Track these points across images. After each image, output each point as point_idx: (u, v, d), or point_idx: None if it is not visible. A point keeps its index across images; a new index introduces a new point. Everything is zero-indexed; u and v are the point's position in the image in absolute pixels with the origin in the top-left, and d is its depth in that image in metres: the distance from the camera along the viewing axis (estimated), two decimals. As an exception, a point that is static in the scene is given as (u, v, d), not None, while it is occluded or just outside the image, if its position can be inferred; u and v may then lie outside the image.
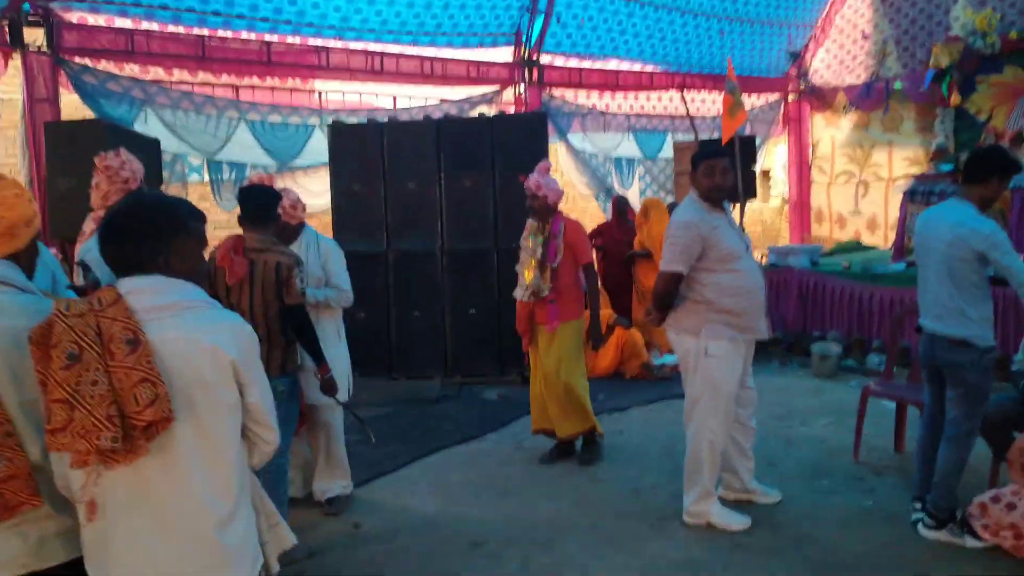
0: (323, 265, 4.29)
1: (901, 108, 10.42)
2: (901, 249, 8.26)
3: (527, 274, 4.80)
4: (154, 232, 1.84)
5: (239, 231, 3.59)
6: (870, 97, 10.67)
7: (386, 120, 7.21)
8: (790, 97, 12.06)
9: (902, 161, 10.46)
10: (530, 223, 4.91)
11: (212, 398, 1.84)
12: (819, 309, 7.97)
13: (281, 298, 3.43)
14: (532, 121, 7.19)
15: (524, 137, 6.87)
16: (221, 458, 1.87)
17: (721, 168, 3.79)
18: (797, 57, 11.75)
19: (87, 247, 3.35)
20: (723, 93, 8.43)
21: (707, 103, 11.10)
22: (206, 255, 2.16)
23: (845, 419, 5.55)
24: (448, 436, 5.59)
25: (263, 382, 1.98)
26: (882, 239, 10.62)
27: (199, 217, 2.00)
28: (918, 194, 8.23)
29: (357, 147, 7.01)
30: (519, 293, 4.86)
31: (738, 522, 3.92)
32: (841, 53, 11.34)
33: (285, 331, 3.49)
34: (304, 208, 4.28)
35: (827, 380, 6.93)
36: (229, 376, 1.87)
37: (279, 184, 5.27)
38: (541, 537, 3.91)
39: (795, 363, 7.64)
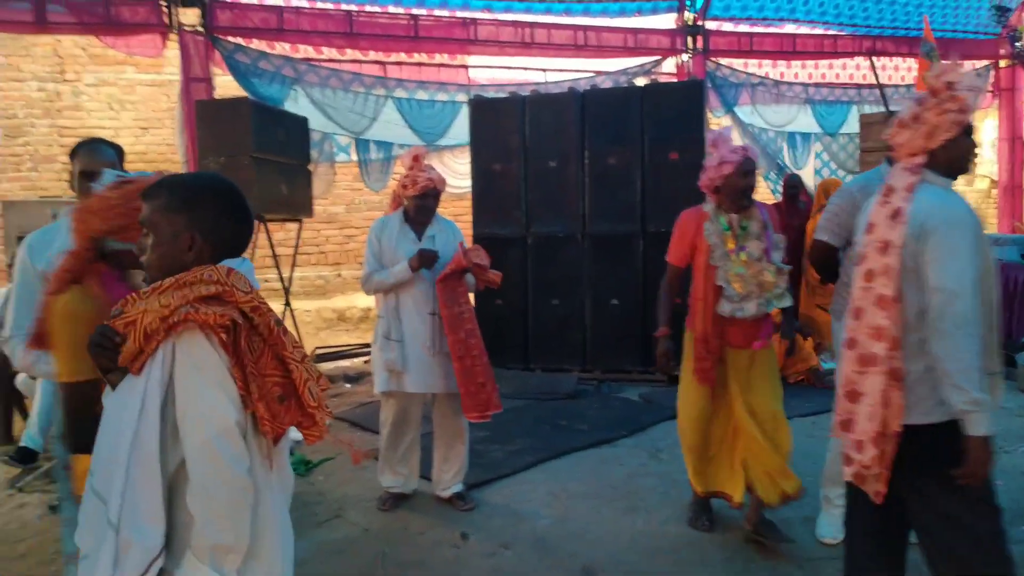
0: None
1: None
2: None
3: (736, 282, 3.36)
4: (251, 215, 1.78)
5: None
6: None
7: (528, 93, 6.75)
8: (1001, 63, 10.48)
9: None
10: (711, 210, 3.45)
11: None
12: (1030, 310, 6.73)
13: None
14: (687, 90, 6.52)
15: (678, 108, 6.23)
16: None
17: None
18: (1007, 14, 10.09)
19: None
20: (918, 58, 7.34)
21: (900, 70, 9.86)
22: None
23: (1058, 448, 4.59)
24: (578, 438, 5.14)
25: None
26: (1113, 228, 9.08)
27: None
28: None
29: (498, 123, 6.62)
30: (730, 308, 3.37)
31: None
32: (1069, 8, 9.66)
33: None
34: None
35: (1037, 397, 5.83)
36: None
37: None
38: (664, 569, 3.37)
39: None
